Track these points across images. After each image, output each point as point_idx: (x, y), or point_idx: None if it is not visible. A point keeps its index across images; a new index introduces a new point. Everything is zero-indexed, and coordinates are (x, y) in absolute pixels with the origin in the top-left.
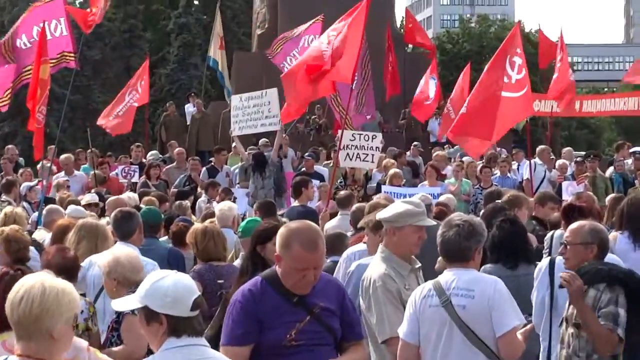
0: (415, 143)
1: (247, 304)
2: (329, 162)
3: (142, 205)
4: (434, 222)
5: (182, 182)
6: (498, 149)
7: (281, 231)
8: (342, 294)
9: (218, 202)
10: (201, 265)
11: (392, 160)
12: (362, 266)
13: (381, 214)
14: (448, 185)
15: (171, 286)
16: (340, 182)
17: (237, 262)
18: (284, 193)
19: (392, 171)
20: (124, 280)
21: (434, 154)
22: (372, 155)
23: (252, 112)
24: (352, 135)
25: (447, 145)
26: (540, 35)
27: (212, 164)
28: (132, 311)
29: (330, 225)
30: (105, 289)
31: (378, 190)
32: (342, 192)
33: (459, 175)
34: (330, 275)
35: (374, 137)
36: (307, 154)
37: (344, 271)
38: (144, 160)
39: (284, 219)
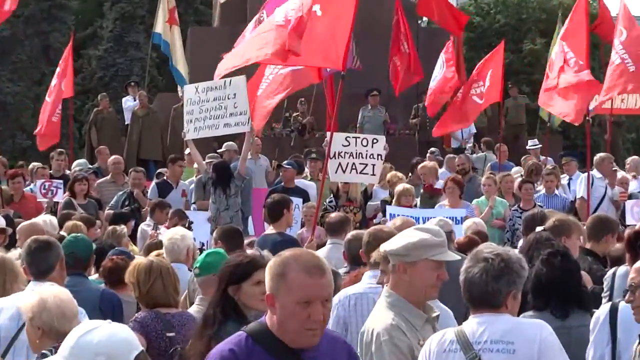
0: (432, 150)
1: None
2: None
3: (64, 233)
4: (457, 256)
5: (120, 201)
6: (543, 158)
7: (270, 264)
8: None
9: (168, 229)
10: (145, 312)
11: (399, 174)
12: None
13: (387, 245)
14: (475, 208)
15: (104, 341)
16: (330, 202)
17: (193, 309)
18: (247, 216)
19: (400, 187)
20: (50, 330)
21: (420, 165)
22: (373, 165)
23: (213, 107)
24: (346, 139)
25: (468, 147)
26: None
27: (165, 177)
28: None
29: None
30: (28, 341)
31: (382, 212)
32: (333, 215)
33: (490, 193)
34: (335, 332)
35: (374, 141)
36: (286, 162)
37: (335, 321)
38: (67, 171)
39: (263, 252)
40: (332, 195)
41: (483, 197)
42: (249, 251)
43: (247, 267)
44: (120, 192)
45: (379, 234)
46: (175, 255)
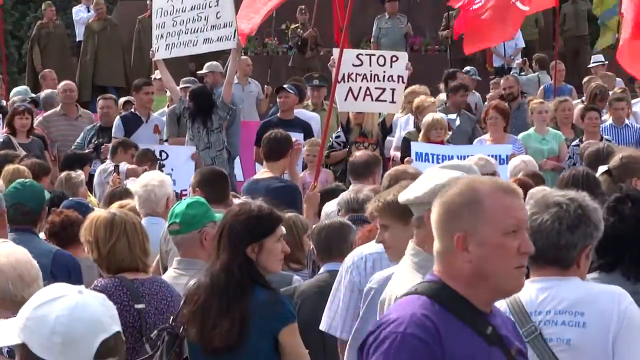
0: (467, 69)
1: (431, 348)
2: (325, 102)
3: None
4: None
5: (87, 138)
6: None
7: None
8: (518, 332)
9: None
10: (107, 279)
11: (430, 98)
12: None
13: (409, 193)
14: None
15: (64, 317)
16: (338, 137)
17: (169, 276)
18: (235, 156)
19: (429, 117)
20: (3, 297)
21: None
22: (392, 90)
23: (190, 18)
24: (358, 57)
25: (515, 66)
26: None
27: (133, 109)
28: (7, 350)
29: (327, 212)
30: None
31: (405, 150)
32: (359, 154)
33: (542, 124)
34: None
35: (394, 59)
36: (286, 86)
37: (349, 288)
38: (3, 102)
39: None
40: (340, 129)
41: (532, 129)
42: (236, 201)
43: (270, 219)
44: (89, 127)
45: (403, 176)
46: (151, 207)
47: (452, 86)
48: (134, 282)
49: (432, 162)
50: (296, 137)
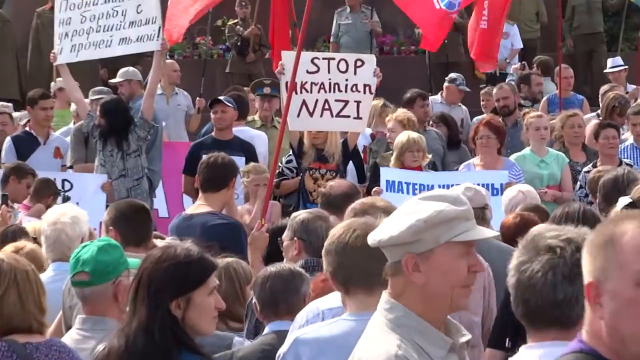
0: (452, 76)
1: None
2: (277, 118)
3: None
4: (494, 232)
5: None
6: (632, 87)
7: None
8: None
9: (28, 209)
10: None
11: (404, 113)
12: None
13: (379, 233)
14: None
15: None
16: (290, 162)
17: (70, 338)
18: (156, 186)
19: (402, 137)
20: None
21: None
22: (357, 102)
23: (102, 13)
24: (313, 62)
25: (512, 71)
26: None
27: (28, 128)
28: None
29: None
30: None
31: (374, 178)
32: (335, 183)
33: (542, 142)
34: None
35: (358, 63)
36: (223, 98)
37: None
38: None
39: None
40: (292, 151)
41: (528, 149)
42: (159, 243)
43: (200, 266)
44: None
45: (371, 211)
46: (62, 250)
47: (406, 98)
48: (26, 346)
49: (408, 192)
50: (238, 162)
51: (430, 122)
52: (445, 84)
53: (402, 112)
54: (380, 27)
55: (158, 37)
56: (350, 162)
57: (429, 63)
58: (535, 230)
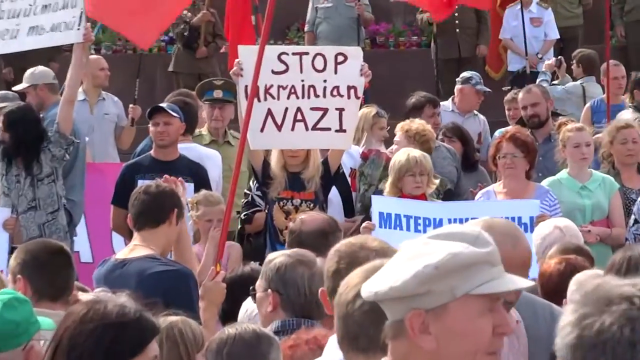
0: (467, 75)
1: None
2: (232, 132)
3: None
4: (528, 282)
5: None
6: None
7: None
8: None
9: None
10: None
11: (412, 123)
12: None
13: (376, 284)
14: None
15: None
16: (256, 189)
17: None
18: (77, 222)
19: (402, 154)
20: None
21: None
22: (339, 111)
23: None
24: (280, 59)
25: (544, 69)
26: None
27: None
28: None
29: (246, 313)
30: None
31: (365, 210)
32: (308, 217)
33: (583, 162)
34: None
35: (340, 58)
36: (165, 105)
37: None
38: None
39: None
40: (254, 179)
41: (565, 172)
42: (83, 296)
43: (138, 329)
44: None
45: (361, 253)
46: None
47: (410, 104)
48: None
49: (408, 229)
50: (186, 190)
51: (439, 136)
52: (458, 85)
53: (410, 122)
54: (371, 11)
55: (79, 25)
56: (334, 189)
57: (436, 58)
58: (590, 277)
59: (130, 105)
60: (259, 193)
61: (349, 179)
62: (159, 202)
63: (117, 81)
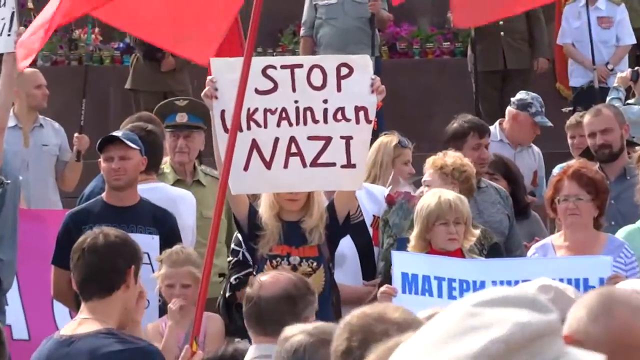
0: (522, 97)
1: None
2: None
3: None
4: (598, 357)
5: None
6: None
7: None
8: None
9: None
10: None
11: (445, 156)
12: None
13: None
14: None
15: None
16: (236, 250)
17: None
18: (8, 287)
19: (431, 196)
20: None
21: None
22: (346, 140)
23: None
24: (266, 73)
25: (616, 85)
26: None
27: None
28: None
29: None
30: None
31: (389, 274)
32: (265, 281)
33: None
34: None
35: (343, 71)
36: (121, 134)
37: None
38: None
39: None
40: (238, 234)
41: None
42: None
43: None
44: None
45: (376, 328)
46: None
47: (450, 132)
48: None
49: (440, 295)
50: (145, 244)
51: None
52: (512, 108)
53: (443, 156)
54: (388, 9)
55: (10, 30)
56: (350, 242)
57: (475, 70)
58: None
59: (76, 135)
60: (239, 253)
61: (370, 230)
62: (110, 263)
63: (58, 102)
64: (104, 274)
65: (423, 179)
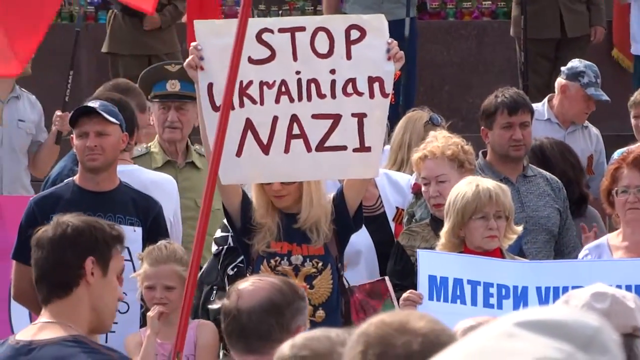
0: (575, 65)
1: None
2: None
3: None
4: None
5: None
6: None
7: None
8: None
9: None
10: None
11: (457, 143)
12: None
13: None
14: None
15: None
16: (220, 247)
17: None
18: None
19: (463, 186)
20: None
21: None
22: (359, 118)
23: None
24: (261, 38)
25: None
26: None
27: None
28: None
29: None
30: None
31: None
32: (244, 289)
33: None
34: None
35: (353, 34)
36: (97, 105)
37: None
38: None
39: None
40: (227, 226)
41: None
42: None
43: None
44: None
45: (397, 341)
46: None
47: (485, 108)
48: None
49: (474, 302)
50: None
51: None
52: (560, 79)
53: (434, 138)
54: None
55: None
56: (367, 237)
57: (524, 37)
58: None
59: (57, 112)
60: (228, 253)
61: (392, 225)
62: (58, 257)
63: (38, 77)
64: (53, 271)
65: (419, 179)
